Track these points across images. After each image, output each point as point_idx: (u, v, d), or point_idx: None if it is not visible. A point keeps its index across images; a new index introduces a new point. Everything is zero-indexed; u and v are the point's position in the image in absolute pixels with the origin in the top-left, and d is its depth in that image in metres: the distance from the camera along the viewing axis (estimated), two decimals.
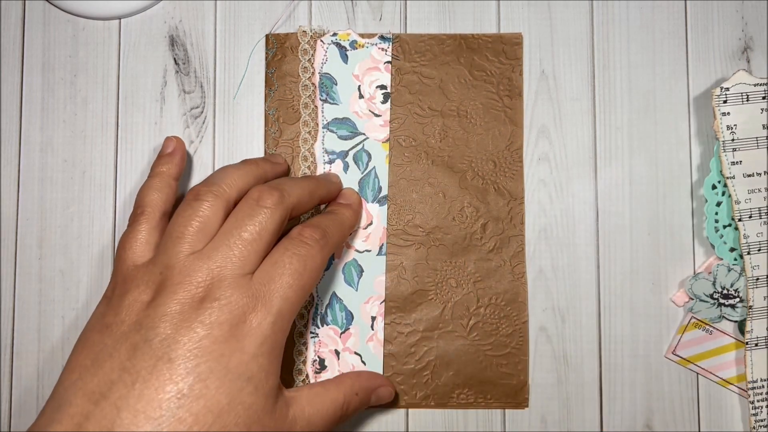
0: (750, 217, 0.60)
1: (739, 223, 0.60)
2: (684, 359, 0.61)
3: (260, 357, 0.47)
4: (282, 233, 0.53)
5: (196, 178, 0.62)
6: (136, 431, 0.43)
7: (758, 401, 0.60)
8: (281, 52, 0.63)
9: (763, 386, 0.60)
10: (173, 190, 0.57)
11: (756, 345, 0.60)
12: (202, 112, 0.63)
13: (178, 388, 0.44)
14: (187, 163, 0.62)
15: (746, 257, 0.60)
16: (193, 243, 0.50)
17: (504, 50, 0.63)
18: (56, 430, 0.44)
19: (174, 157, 0.58)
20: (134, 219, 0.54)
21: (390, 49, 0.62)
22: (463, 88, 0.62)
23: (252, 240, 0.50)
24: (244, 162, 0.57)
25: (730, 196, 0.60)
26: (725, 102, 0.60)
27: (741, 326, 0.61)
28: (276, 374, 0.49)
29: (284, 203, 0.52)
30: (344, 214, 0.58)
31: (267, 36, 0.63)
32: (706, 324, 0.61)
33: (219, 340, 0.46)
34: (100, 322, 0.48)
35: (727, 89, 0.60)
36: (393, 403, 0.61)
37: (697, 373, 0.61)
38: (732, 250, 0.61)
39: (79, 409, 0.44)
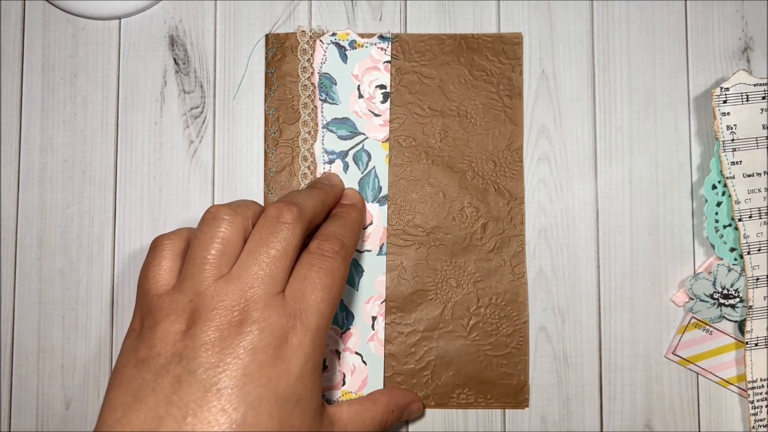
0: (750, 217, 0.60)
1: (739, 223, 0.60)
2: (684, 359, 0.61)
3: (305, 378, 0.47)
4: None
5: (196, 178, 0.62)
6: None
7: (758, 401, 0.60)
8: (281, 52, 0.63)
9: (762, 386, 0.60)
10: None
11: (756, 345, 0.60)
12: (202, 112, 0.63)
13: (232, 419, 0.43)
14: (187, 164, 0.62)
15: (746, 257, 0.60)
16: (219, 266, 0.48)
17: (504, 50, 0.63)
18: None
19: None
20: (154, 250, 0.52)
21: (389, 49, 0.62)
22: (463, 88, 0.62)
23: (280, 257, 0.49)
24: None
25: (730, 196, 0.60)
26: (725, 102, 0.60)
27: (741, 326, 0.61)
28: (319, 393, 0.48)
29: (303, 217, 0.51)
30: (352, 215, 0.57)
31: (267, 36, 0.63)
32: (706, 324, 0.61)
33: (265, 365, 0.45)
34: (133, 357, 0.46)
35: (727, 89, 0.60)
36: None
37: (697, 373, 0.61)
38: (732, 250, 0.61)
39: None
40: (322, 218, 0.56)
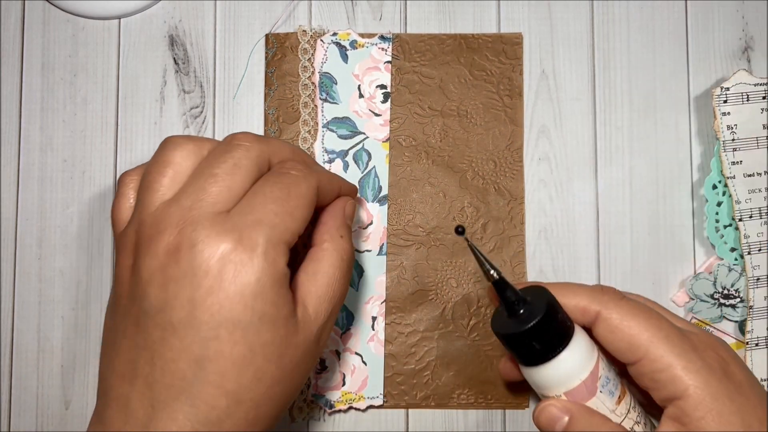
0: (750, 217, 0.60)
1: (740, 223, 0.60)
2: None
3: (264, 292, 0.43)
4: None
5: None
6: (175, 406, 0.42)
7: None
8: (281, 52, 0.63)
9: (763, 386, 0.60)
10: None
11: (756, 345, 0.60)
12: (201, 111, 0.63)
13: (194, 355, 0.42)
14: None
15: (747, 257, 0.60)
16: (164, 192, 0.46)
17: (504, 50, 0.63)
18: (108, 413, 0.44)
19: None
20: (120, 184, 0.50)
21: (390, 49, 0.62)
22: (464, 88, 0.62)
23: (225, 175, 0.45)
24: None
25: (730, 196, 0.60)
26: (725, 102, 0.60)
27: (741, 326, 0.60)
28: (285, 297, 0.45)
29: (260, 142, 0.48)
30: (340, 179, 0.54)
31: (267, 36, 0.63)
32: (707, 324, 0.61)
33: (213, 289, 0.42)
34: (110, 301, 0.47)
35: (728, 89, 0.60)
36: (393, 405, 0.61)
37: None
38: (732, 250, 0.61)
39: (120, 392, 0.44)
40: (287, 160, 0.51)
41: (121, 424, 0.43)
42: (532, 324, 0.47)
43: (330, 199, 0.52)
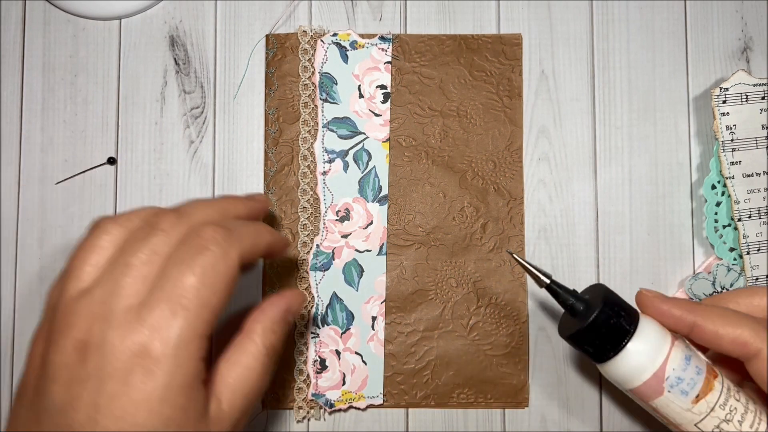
0: (749, 217, 0.60)
1: (739, 223, 0.60)
2: None
3: (170, 399, 0.41)
4: None
5: (196, 178, 0.62)
6: None
7: None
8: (281, 52, 0.63)
9: None
10: None
11: None
12: (202, 112, 0.63)
13: None
14: (187, 164, 0.62)
15: (746, 257, 0.60)
16: (84, 279, 0.43)
17: (504, 50, 0.63)
18: None
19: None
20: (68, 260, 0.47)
21: (390, 50, 0.62)
22: (463, 89, 0.62)
23: (140, 265, 0.43)
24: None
25: (729, 196, 0.60)
26: (724, 102, 0.60)
27: None
28: (196, 399, 0.42)
29: (181, 222, 0.45)
30: (257, 213, 0.52)
31: (267, 36, 0.63)
32: None
33: (117, 395, 0.40)
34: (18, 387, 0.44)
35: (727, 89, 0.60)
36: (392, 404, 0.61)
37: None
38: (732, 250, 0.61)
39: None
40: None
41: None
42: (591, 320, 0.47)
43: (261, 255, 0.48)
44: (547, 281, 0.50)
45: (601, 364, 0.49)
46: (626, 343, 0.47)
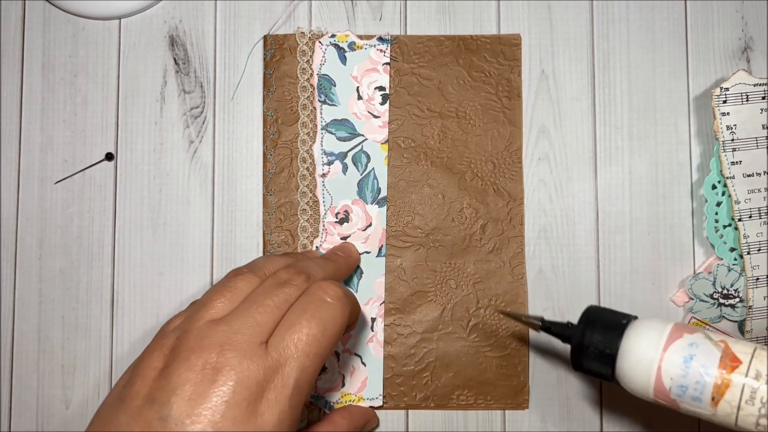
0: (750, 217, 0.60)
1: (739, 223, 0.60)
2: None
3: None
4: None
5: (196, 178, 0.62)
6: None
7: None
8: (279, 53, 0.63)
9: None
10: None
11: None
12: (202, 112, 0.63)
13: None
14: (187, 164, 0.62)
15: (746, 257, 0.60)
16: (218, 311, 0.47)
17: (503, 51, 0.63)
18: None
19: None
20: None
21: (388, 51, 0.62)
22: (462, 89, 0.62)
23: (274, 308, 0.47)
24: (288, 255, 0.57)
25: (730, 196, 0.60)
26: (725, 102, 0.60)
27: (741, 326, 0.61)
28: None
29: (310, 279, 0.50)
30: (345, 261, 0.58)
31: (265, 37, 0.63)
32: (706, 324, 0.61)
33: (238, 421, 0.42)
34: (118, 394, 0.45)
35: (727, 89, 0.60)
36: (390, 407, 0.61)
37: None
38: (732, 250, 0.61)
39: None
40: None
41: None
42: (575, 349, 0.49)
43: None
44: (539, 324, 0.52)
45: (615, 382, 0.49)
46: (615, 364, 0.48)
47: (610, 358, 0.48)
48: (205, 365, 0.43)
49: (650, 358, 0.46)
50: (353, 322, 0.53)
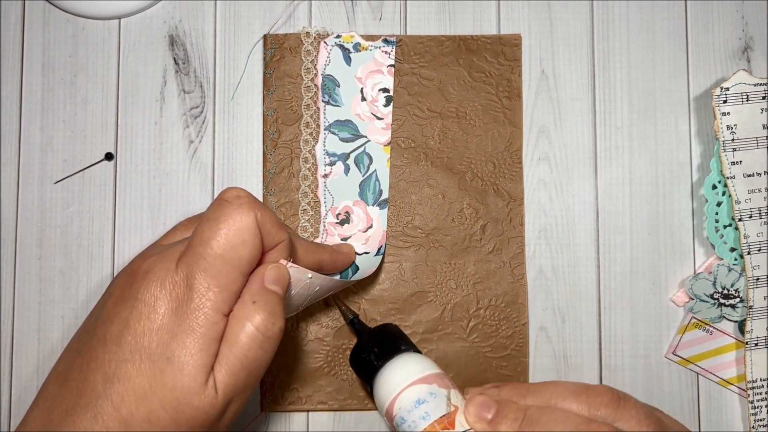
0: (750, 217, 0.60)
1: (740, 223, 0.60)
2: (684, 359, 0.61)
3: (183, 335, 0.44)
4: None
5: (196, 178, 0.62)
6: (82, 415, 0.43)
7: (758, 401, 0.60)
8: (280, 53, 0.62)
9: (762, 386, 0.60)
10: None
11: (756, 345, 0.60)
12: (201, 111, 0.63)
13: (109, 371, 0.44)
14: (187, 164, 0.62)
15: (746, 257, 0.60)
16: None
17: (503, 51, 0.63)
18: (32, 414, 0.45)
19: None
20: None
21: (393, 53, 0.62)
22: (462, 90, 0.62)
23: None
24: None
25: (730, 196, 0.60)
26: (725, 102, 0.60)
27: (741, 326, 0.61)
28: (205, 351, 0.44)
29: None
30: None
31: (265, 37, 0.63)
32: (707, 324, 0.61)
33: (143, 316, 0.44)
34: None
35: (727, 89, 0.60)
36: None
37: (697, 374, 0.61)
38: (732, 250, 0.61)
39: (50, 391, 0.45)
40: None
41: (39, 425, 0.45)
42: (359, 343, 0.57)
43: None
44: (350, 317, 0.59)
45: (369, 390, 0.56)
46: (375, 375, 0.54)
47: (374, 369, 0.55)
48: (130, 274, 0.47)
49: (396, 385, 0.53)
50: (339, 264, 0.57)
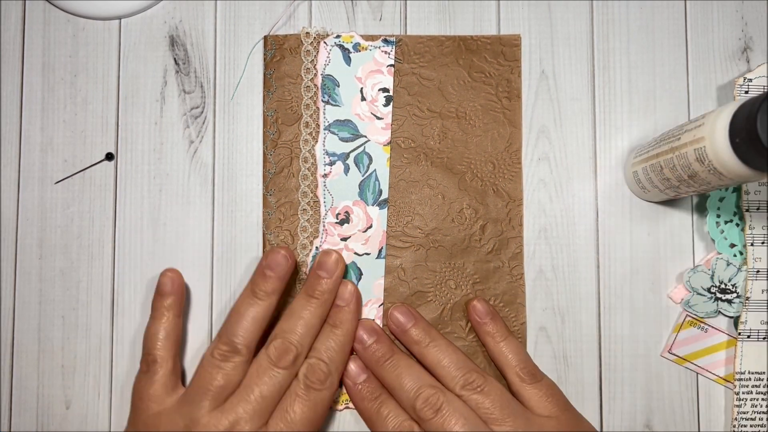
0: (758, 209, 0.60)
1: (746, 213, 0.60)
2: (680, 358, 0.61)
3: None
4: None
5: (196, 178, 0.62)
6: None
7: (743, 393, 0.60)
8: (280, 54, 0.63)
9: (750, 378, 0.60)
10: (179, 328, 0.59)
11: (748, 336, 0.60)
12: (202, 112, 0.63)
13: None
14: (187, 164, 0.62)
15: (749, 248, 0.60)
16: (216, 398, 0.53)
17: (503, 52, 0.63)
18: None
19: (174, 294, 0.59)
20: (148, 367, 0.57)
21: (393, 53, 0.62)
22: (462, 90, 0.62)
23: (268, 396, 0.54)
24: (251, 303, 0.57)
25: (734, 190, 0.60)
26: (746, 93, 0.60)
27: (736, 322, 0.61)
28: None
29: (297, 363, 0.55)
30: (345, 326, 0.58)
31: (265, 37, 0.63)
32: (701, 322, 0.61)
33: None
34: None
35: (750, 80, 0.60)
36: None
37: (697, 373, 0.61)
38: (732, 245, 0.61)
39: None
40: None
41: None
42: None
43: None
44: None
45: None
46: None
47: None
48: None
49: None
50: None
